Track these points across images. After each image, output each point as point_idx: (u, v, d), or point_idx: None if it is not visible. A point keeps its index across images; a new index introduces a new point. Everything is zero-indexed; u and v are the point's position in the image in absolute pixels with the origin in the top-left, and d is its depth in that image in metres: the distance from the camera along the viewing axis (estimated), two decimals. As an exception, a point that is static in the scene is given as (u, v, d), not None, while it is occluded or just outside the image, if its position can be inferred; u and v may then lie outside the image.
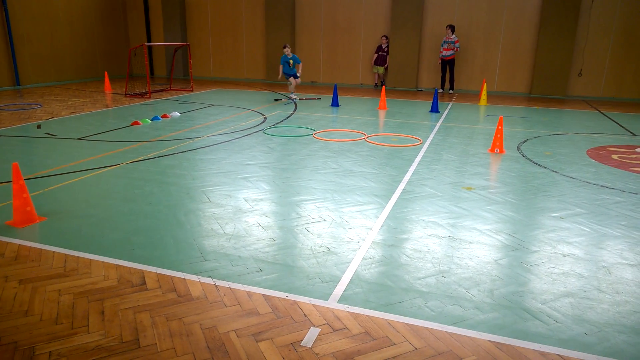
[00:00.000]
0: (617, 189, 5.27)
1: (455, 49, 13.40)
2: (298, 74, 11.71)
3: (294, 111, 10.22)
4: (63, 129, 7.98)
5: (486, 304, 2.93)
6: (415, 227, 4.12)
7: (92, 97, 11.85)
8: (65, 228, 3.98)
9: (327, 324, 2.72)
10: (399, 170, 5.85)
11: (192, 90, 13.41)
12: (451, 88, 14.07)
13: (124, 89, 13.04)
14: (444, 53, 13.55)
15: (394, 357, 2.45)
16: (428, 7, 14.26)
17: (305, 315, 2.79)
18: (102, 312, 2.79)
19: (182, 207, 4.48)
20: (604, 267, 3.45)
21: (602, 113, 10.97)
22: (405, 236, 3.93)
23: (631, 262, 3.52)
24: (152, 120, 8.75)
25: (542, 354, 2.49)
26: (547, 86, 13.59)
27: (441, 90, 14.08)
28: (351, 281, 3.18)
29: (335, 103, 11.08)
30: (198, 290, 3.05)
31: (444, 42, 13.47)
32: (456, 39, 13.33)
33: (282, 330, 2.65)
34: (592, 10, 12.86)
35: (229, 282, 3.14)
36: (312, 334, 2.62)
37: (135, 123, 8.43)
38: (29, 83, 13.61)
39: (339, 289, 3.08)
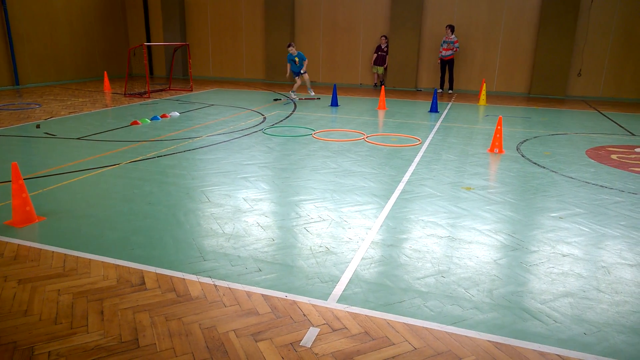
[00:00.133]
0: (616, 189, 5.27)
1: (454, 49, 13.40)
2: (302, 71, 11.58)
3: (294, 111, 10.22)
4: (62, 128, 7.97)
5: (485, 304, 2.93)
6: (415, 227, 4.12)
7: (92, 97, 11.85)
8: (65, 228, 3.98)
9: (327, 323, 2.72)
10: (398, 170, 5.85)
11: (192, 90, 13.41)
12: (450, 88, 14.08)
13: (124, 89, 13.04)
14: (443, 53, 13.55)
15: (393, 357, 2.45)
16: (427, 7, 14.26)
17: (304, 315, 2.79)
18: (102, 312, 2.79)
19: (181, 207, 4.48)
20: (603, 267, 3.45)
21: (601, 113, 10.98)
22: (404, 236, 3.93)
23: (630, 262, 3.53)
24: (151, 120, 8.75)
25: (542, 354, 2.49)
26: (547, 86, 13.60)
27: (440, 90, 14.08)
28: (350, 281, 3.19)
29: (334, 103, 11.07)
30: (197, 290, 3.05)
31: (444, 42, 13.47)
32: (456, 39, 13.33)
33: (282, 330, 2.65)
34: (592, 11, 12.88)
35: (228, 282, 3.14)
36: (311, 334, 2.62)
37: (135, 123, 8.43)
38: (28, 83, 13.60)
39: (338, 289, 3.08)
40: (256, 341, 2.56)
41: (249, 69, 16.67)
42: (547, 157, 6.64)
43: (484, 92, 11.88)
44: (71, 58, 15.02)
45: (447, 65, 13.78)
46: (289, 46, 11.51)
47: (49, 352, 2.44)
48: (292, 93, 12.06)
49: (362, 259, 3.50)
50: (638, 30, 12.66)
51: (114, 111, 9.90)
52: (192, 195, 4.81)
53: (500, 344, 2.56)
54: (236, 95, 12.86)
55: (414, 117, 9.86)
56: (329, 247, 3.69)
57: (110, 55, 16.63)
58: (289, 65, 11.70)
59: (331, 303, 2.92)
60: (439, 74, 14.12)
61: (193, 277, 3.20)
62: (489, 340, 2.59)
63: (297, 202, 4.66)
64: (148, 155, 6.31)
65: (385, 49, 14.64)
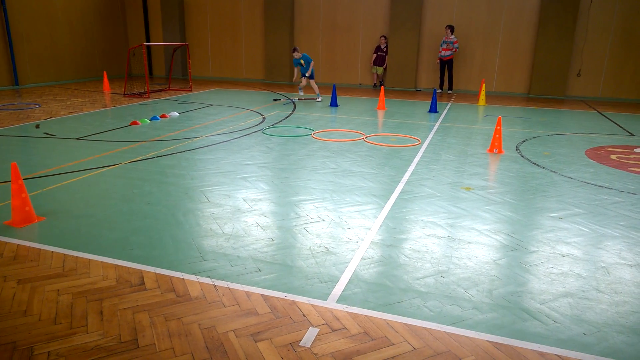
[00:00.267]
0: (615, 189, 5.28)
1: (454, 50, 13.40)
2: (307, 74, 11.46)
3: (293, 111, 10.22)
4: (62, 128, 7.97)
5: (485, 304, 2.93)
6: (414, 227, 4.12)
7: (91, 97, 11.84)
8: (64, 228, 3.98)
9: (326, 324, 2.72)
10: (398, 170, 5.85)
11: (191, 90, 13.41)
12: (450, 88, 14.08)
13: (123, 89, 13.03)
14: (443, 53, 13.55)
15: (392, 357, 2.45)
16: (427, 7, 14.27)
17: (304, 315, 2.79)
18: (101, 312, 2.79)
19: (181, 207, 4.48)
20: (602, 267, 3.45)
21: (600, 113, 10.98)
22: (404, 236, 3.93)
23: (630, 263, 3.53)
24: (150, 120, 8.74)
25: (541, 354, 2.49)
26: (546, 86, 13.61)
27: (440, 91, 14.08)
28: (350, 281, 3.19)
29: (334, 103, 11.07)
30: (197, 290, 3.05)
31: (443, 42, 13.48)
32: (455, 39, 13.33)
33: (281, 330, 2.65)
34: (591, 11, 12.88)
35: (227, 282, 3.14)
36: (310, 334, 2.62)
37: (134, 123, 8.43)
38: (27, 83, 13.59)
39: (338, 289, 3.08)
40: (255, 341, 2.56)
41: (249, 69, 16.67)
42: (547, 157, 6.64)
43: (483, 92, 11.89)
44: (71, 58, 15.01)
45: (446, 65, 13.79)
46: (293, 51, 11.39)
47: (49, 352, 2.43)
48: (300, 90, 12.07)
49: (362, 259, 3.50)
50: (638, 30, 12.67)
51: (113, 111, 9.90)
52: (192, 196, 4.81)
53: (499, 344, 2.56)
54: (235, 95, 12.85)
55: (414, 117, 9.86)
56: (328, 247, 3.69)
57: (110, 56, 16.62)
58: (296, 69, 11.67)
59: (330, 303, 2.92)
60: (439, 74, 14.13)
61: (192, 277, 3.20)
62: (488, 341, 2.59)
63: (297, 202, 4.66)
64: (147, 156, 6.31)
65: (384, 49, 14.65)
